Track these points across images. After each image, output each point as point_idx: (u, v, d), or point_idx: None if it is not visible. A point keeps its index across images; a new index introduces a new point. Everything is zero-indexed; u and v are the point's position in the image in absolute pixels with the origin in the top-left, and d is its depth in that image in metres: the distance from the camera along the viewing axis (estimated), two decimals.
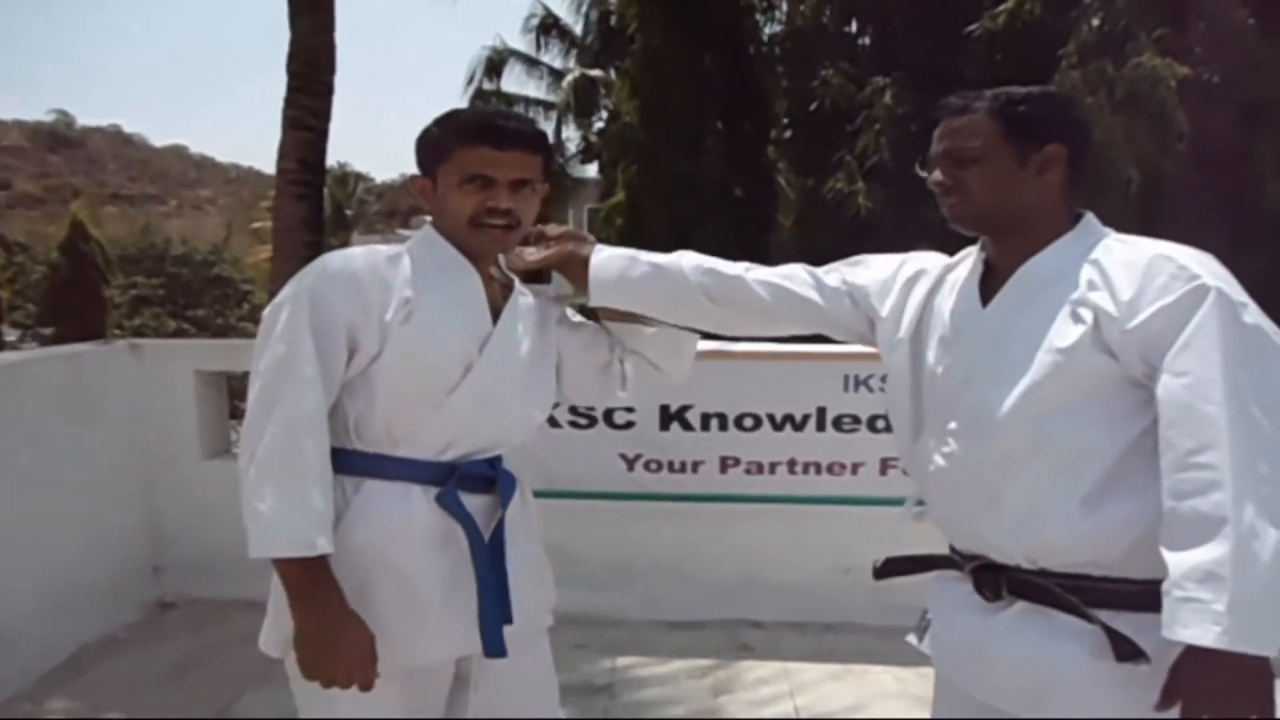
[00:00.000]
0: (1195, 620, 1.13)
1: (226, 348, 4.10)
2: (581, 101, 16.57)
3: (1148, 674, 1.25)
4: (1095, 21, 6.08)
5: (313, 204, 5.13)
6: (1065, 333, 1.31)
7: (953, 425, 1.43)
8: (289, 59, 5.02)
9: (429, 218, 1.62)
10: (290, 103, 5.06)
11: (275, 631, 1.50)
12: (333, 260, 1.48)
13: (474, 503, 1.52)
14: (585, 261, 1.70)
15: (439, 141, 1.53)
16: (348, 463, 1.47)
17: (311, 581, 1.39)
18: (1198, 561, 1.14)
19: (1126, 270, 1.29)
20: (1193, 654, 1.15)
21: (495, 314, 1.57)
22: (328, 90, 5.12)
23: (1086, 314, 1.30)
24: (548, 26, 17.83)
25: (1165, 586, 1.16)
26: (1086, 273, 1.34)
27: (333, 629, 1.39)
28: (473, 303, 1.56)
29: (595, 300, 1.71)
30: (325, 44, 5.09)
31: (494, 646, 1.47)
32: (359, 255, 1.51)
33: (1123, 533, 1.29)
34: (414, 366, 1.46)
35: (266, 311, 1.46)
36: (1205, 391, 1.18)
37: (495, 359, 1.54)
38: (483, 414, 1.52)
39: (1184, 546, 1.16)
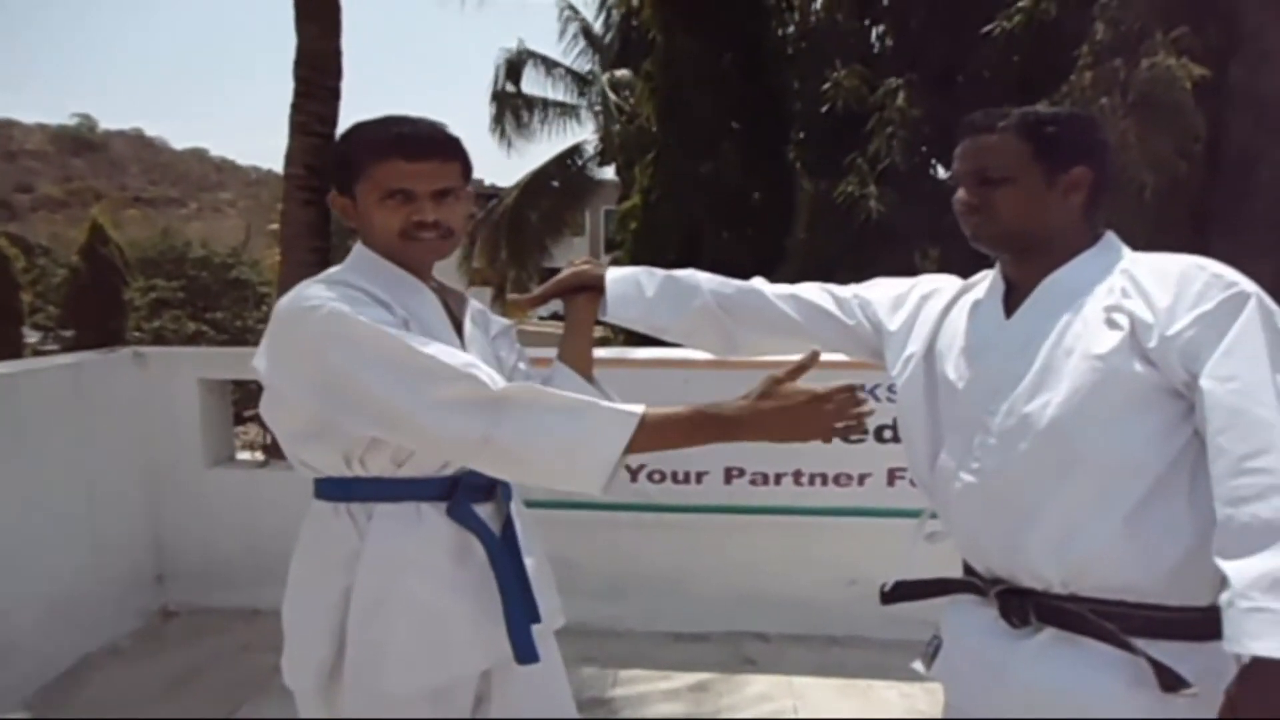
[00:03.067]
0: (1268, 631, 1.06)
1: (230, 355, 4.10)
2: (613, 103, 16.60)
3: (1186, 706, 1.21)
4: (1112, 21, 5.98)
5: (320, 209, 5.13)
6: (1101, 339, 1.28)
7: (979, 440, 1.38)
8: (295, 64, 5.04)
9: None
10: (297, 108, 5.08)
11: (296, 663, 1.50)
12: (323, 303, 1.37)
13: (480, 511, 1.51)
14: (597, 279, 1.73)
15: (351, 158, 1.47)
16: (353, 490, 1.46)
17: (706, 419, 1.33)
18: (1264, 569, 1.08)
19: (1160, 278, 1.27)
20: (1259, 668, 1.08)
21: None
22: (334, 96, 5.13)
23: (1122, 320, 1.27)
24: (574, 27, 17.87)
25: (1226, 598, 1.10)
26: (1118, 281, 1.32)
27: (775, 416, 1.33)
28: (441, 320, 1.53)
29: (611, 313, 1.73)
30: (331, 49, 5.10)
31: (525, 651, 1.44)
32: (339, 293, 1.39)
33: (1164, 555, 1.26)
34: None
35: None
36: (1256, 395, 1.15)
37: None
38: None
39: (1245, 554, 1.10)
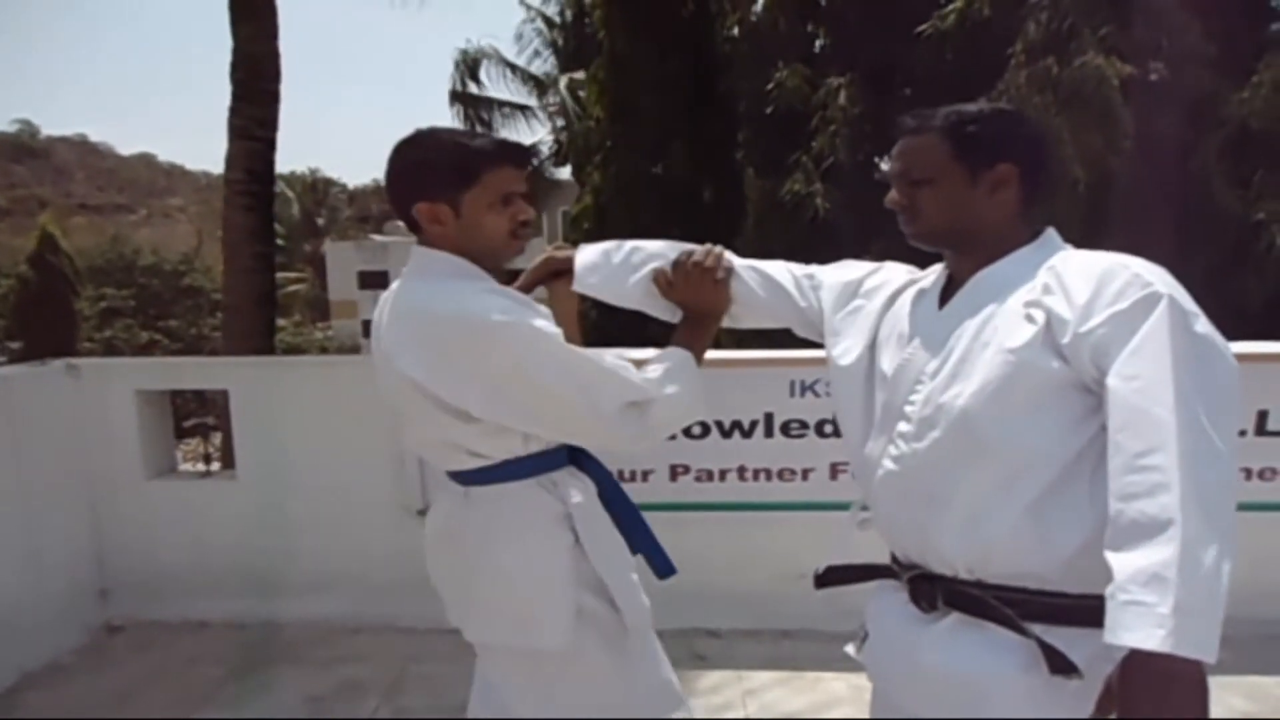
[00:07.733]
0: (1139, 624, 1.09)
1: (167, 366, 4.06)
2: (574, 104, 16.57)
3: (1078, 688, 1.25)
4: (1042, 20, 6.12)
5: (261, 215, 5.06)
6: (1016, 333, 1.31)
7: (902, 427, 1.42)
8: (232, 68, 4.95)
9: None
10: (235, 112, 5.00)
11: (541, 625, 1.65)
12: (510, 319, 1.54)
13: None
14: (568, 260, 1.83)
15: (463, 166, 1.60)
16: (542, 464, 1.67)
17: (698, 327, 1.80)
18: (1143, 564, 1.11)
19: (1082, 276, 1.29)
20: (1134, 659, 1.12)
21: None
22: (273, 99, 5.06)
23: (1039, 315, 1.30)
24: (530, 29, 17.86)
25: (1109, 590, 1.13)
26: (1042, 278, 1.34)
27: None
28: None
29: (579, 283, 1.81)
30: (268, 52, 5.03)
31: (665, 564, 1.89)
32: (511, 304, 1.57)
33: (1063, 544, 1.29)
34: None
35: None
36: (1156, 395, 1.17)
37: None
38: None
39: (1129, 549, 1.13)
